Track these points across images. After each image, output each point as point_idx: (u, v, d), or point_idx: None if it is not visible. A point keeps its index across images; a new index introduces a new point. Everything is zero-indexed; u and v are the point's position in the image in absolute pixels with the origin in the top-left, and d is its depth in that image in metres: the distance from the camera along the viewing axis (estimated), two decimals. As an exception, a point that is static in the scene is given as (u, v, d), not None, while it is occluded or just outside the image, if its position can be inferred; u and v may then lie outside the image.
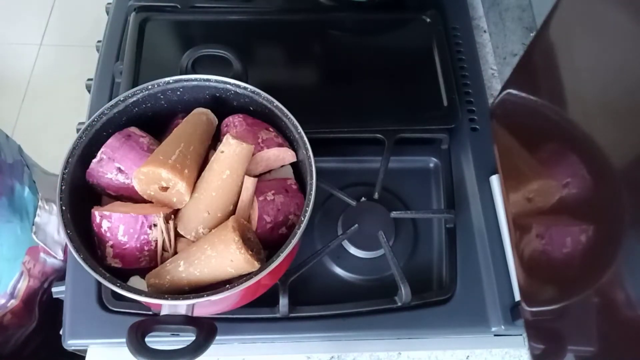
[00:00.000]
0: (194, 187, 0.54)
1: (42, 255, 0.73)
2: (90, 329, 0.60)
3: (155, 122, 0.60)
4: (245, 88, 0.58)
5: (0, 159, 0.68)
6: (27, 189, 0.73)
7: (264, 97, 0.58)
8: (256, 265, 0.49)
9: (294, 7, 0.84)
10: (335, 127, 0.70)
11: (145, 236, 0.51)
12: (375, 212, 0.66)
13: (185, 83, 0.58)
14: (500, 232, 0.65)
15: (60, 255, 0.76)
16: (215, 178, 0.53)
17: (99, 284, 0.62)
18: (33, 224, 0.71)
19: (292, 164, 0.60)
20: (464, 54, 0.79)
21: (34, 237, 0.71)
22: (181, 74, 0.71)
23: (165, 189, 0.52)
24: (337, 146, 0.71)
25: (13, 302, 0.71)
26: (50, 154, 0.87)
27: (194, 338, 0.46)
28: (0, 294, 0.68)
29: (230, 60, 0.73)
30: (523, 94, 0.58)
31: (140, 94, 0.58)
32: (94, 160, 0.54)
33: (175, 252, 0.53)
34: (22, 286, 0.71)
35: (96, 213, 0.51)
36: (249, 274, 0.49)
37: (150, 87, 0.58)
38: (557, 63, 0.50)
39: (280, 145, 0.57)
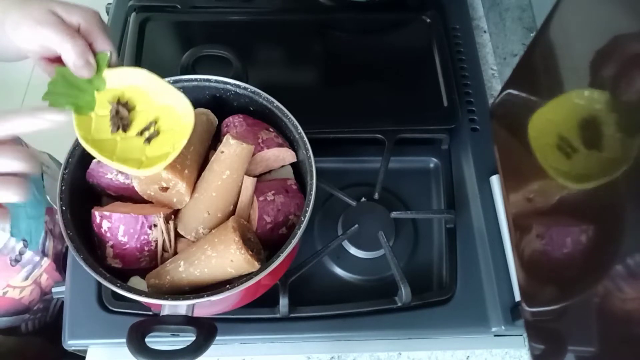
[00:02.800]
0: (194, 187, 0.54)
1: (57, 217, 0.75)
2: (90, 329, 0.60)
3: (155, 122, 0.60)
4: (245, 88, 0.58)
5: None
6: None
7: (264, 97, 0.58)
8: (256, 266, 0.49)
9: (294, 7, 0.84)
10: (336, 127, 0.70)
11: (146, 236, 0.51)
12: (375, 212, 0.66)
13: (185, 83, 0.58)
14: (500, 232, 0.65)
15: None
16: (215, 178, 0.53)
17: (99, 284, 0.62)
18: (43, 186, 0.74)
19: (292, 164, 0.60)
20: (464, 54, 0.79)
21: (47, 198, 0.73)
22: (181, 74, 0.71)
23: (165, 189, 0.52)
24: (337, 146, 0.71)
25: (46, 260, 0.72)
26: (51, 154, 0.87)
27: (194, 338, 0.46)
28: (34, 252, 0.70)
29: (230, 60, 0.73)
30: (523, 94, 0.58)
31: (140, 94, 0.58)
32: (94, 161, 0.54)
33: (176, 253, 0.53)
34: (50, 245, 0.73)
35: (96, 213, 0.51)
36: (249, 274, 0.49)
37: (150, 87, 0.58)
38: (557, 63, 0.50)
39: (280, 145, 0.57)
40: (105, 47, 0.50)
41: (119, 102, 0.51)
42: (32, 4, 0.48)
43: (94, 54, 0.49)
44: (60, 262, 0.77)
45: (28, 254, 0.69)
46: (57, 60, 0.50)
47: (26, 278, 0.70)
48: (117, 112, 0.50)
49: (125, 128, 0.50)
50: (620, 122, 0.38)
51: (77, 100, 0.49)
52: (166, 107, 0.51)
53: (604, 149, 0.40)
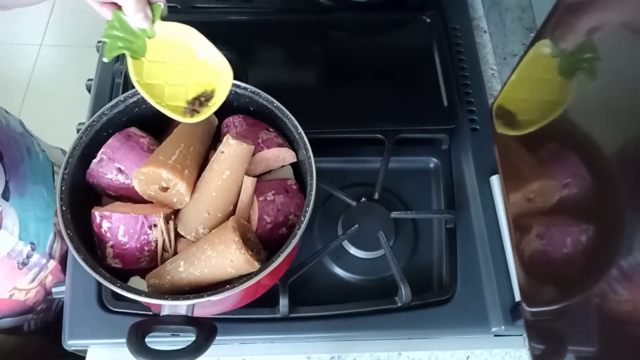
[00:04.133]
0: (194, 187, 0.54)
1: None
2: (90, 329, 0.60)
3: (155, 123, 0.60)
4: (245, 88, 0.58)
5: (10, 128, 0.70)
6: (41, 154, 0.76)
7: (264, 97, 0.58)
8: (256, 266, 0.49)
9: (294, 7, 0.84)
10: (336, 127, 0.70)
11: (146, 236, 0.51)
12: (375, 213, 0.66)
13: (185, 83, 0.58)
14: (500, 232, 0.65)
15: None
16: (215, 178, 0.53)
17: (99, 284, 0.62)
18: (54, 187, 0.74)
19: (292, 164, 0.60)
20: (464, 54, 0.79)
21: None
22: (181, 74, 0.71)
23: (165, 189, 0.52)
24: (337, 146, 0.71)
25: (52, 263, 0.73)
26: (64, 148, 0.87)
27: (194, 338, 0.46)
28: (41, 254, 0.70)
29: (230, 60, 0.73)
30: (523, 94, 0.58)
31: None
32: (94, 161, 0.54)
33: (176, 253, 0.53)
34: (57, 247, 0.74)
35: (96, 213, 0.51)
36: (249, 274, 0.49)
37: (150, 87, 0.58)
38: (557, 63, 0.50)
39: (280, 145, 0.57)
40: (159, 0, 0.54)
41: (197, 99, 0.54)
42: None
43: (150, 4, 0.53)
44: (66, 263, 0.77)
45: (35, 257, 0.69)
46: (111, 3, 0.53)
47: (32, 280, 0.70)
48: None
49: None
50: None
51: (132, 45, 0.53)
52: (204, 61, 0.56)
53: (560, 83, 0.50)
